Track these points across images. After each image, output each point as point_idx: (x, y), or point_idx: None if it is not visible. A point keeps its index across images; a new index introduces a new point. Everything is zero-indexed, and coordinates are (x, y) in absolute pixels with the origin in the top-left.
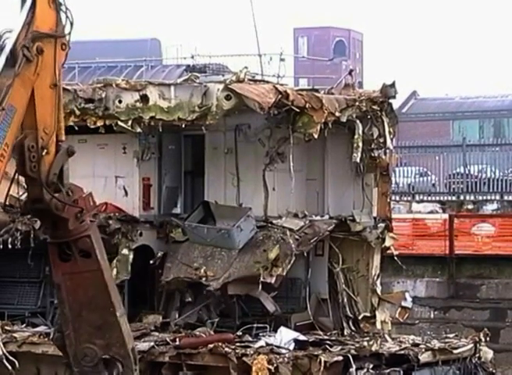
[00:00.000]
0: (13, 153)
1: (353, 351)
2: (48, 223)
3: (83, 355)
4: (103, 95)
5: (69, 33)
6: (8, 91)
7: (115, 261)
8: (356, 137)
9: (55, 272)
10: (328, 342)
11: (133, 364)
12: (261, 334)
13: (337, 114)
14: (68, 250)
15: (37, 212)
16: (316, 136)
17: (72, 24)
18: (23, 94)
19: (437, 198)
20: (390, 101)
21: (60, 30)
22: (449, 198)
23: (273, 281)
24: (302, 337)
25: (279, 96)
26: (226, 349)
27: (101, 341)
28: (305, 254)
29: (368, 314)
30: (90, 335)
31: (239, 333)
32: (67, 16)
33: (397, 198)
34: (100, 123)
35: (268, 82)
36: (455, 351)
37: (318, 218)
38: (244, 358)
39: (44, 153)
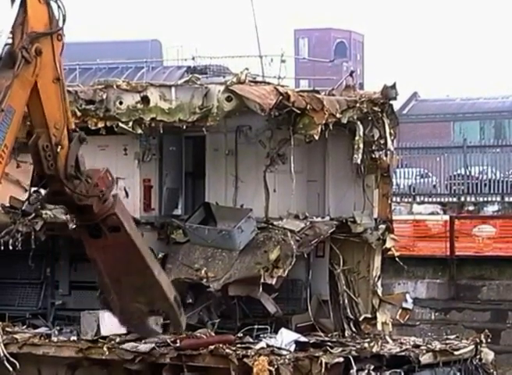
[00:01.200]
0: (12, 152)
1: (353, 353)
2: (72, 210)
3: (130, 314)
4: (104, 97)
5: (64, 23)
6: (7, 93)
7: None
8: (357, 138)
9: (88, 249)
10: (328, 343)
11: (178, 311)
12: (261, 336)
13: (338, 115)
14: (97, 228)
15: (59, 203)
16: (317, 137)
17: (64, 15)
18: (22, 96)
19: (438, 200)
20: (391, 102)
21: (54, 23)
22: (450, 199)
23: (274, 282)
24: (303, 339)
25: (280, 97)
26: (227, 350)
27: (145, 299)
28: (306, 255)
29: (368, 315)
30: (132, 296)
31: (239, 334)
32: (58, 6)
33: (398, 200)
34: (101, 125)
35: (268, 83)
36: (456, 353)
37: (319, 219)
38: (245, 360)
39: (58, 150)
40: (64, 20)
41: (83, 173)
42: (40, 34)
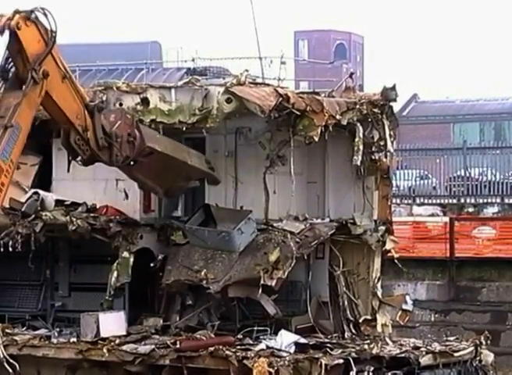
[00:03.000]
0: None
1: (353, 354)
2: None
3: (173, 191)
4: (104, 98)
5: (56, 30)
6: (16, 109)
7: (115, 264)
8: (356, 140)
9: (127, 172)
10: (328, 345)
11: (211, 172)
12: (261, 337)
13: (338, 117)
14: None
15: None
16: (317, 139)
17: (53, 22)
18: (29, 115)
19: (438, 201)
20: (391, 104)
21: (48, 35)
22: (450, 200)
23: (274, 284)
24: (303, 340)
25: (280, 99)
26: (227, 352)
27: (183, 179)
28: (306, 257)
29: (368, 317)
30: (172, 181)
31: (239, 336)
32: (45, 15)
33: (398, 201)
34: None
35: (268, 85)
36: (456, 354)
37: (319, 221)
38: (245, 361)
39: (88, 134)
40: (55, 26)
41: (112, 135)
42: (43, 56)
